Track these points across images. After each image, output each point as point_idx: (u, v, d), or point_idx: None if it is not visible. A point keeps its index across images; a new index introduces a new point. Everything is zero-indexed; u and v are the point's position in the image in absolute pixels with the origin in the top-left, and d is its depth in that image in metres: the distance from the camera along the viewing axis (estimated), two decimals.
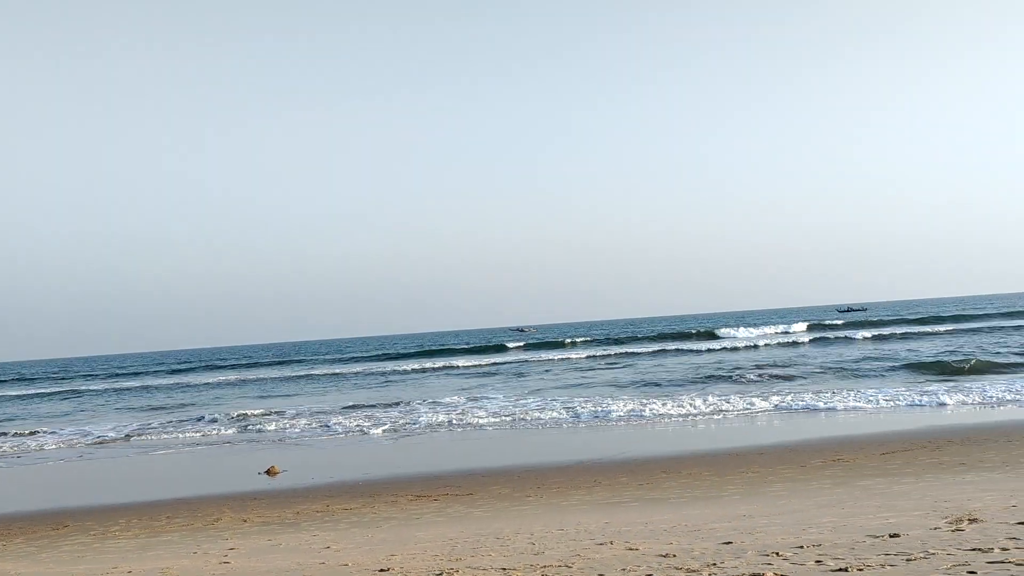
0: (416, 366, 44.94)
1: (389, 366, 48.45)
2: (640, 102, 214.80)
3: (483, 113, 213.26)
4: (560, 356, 44.64)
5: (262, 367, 59.37)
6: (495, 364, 41.68)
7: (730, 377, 26.46)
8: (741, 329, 59.76)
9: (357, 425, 19.77)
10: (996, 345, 32.22)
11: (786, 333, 55.41)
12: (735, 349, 40.54)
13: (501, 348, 60.36)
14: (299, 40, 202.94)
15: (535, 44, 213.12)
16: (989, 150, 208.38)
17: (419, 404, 23.93)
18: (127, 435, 21.16)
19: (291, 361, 65.48)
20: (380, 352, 74.11)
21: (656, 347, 46.49)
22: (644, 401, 20.59)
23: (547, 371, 35.72)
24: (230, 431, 20.82)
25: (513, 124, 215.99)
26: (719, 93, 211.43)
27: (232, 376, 49.66)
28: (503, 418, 19.34)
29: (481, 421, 19.16)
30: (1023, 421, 14.33)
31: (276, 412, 23.86)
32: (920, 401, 17.69)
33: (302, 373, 46.99)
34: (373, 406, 24.84)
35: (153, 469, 15.99)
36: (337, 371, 46.44)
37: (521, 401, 23.15)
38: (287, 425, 20.88)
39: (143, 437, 20.74)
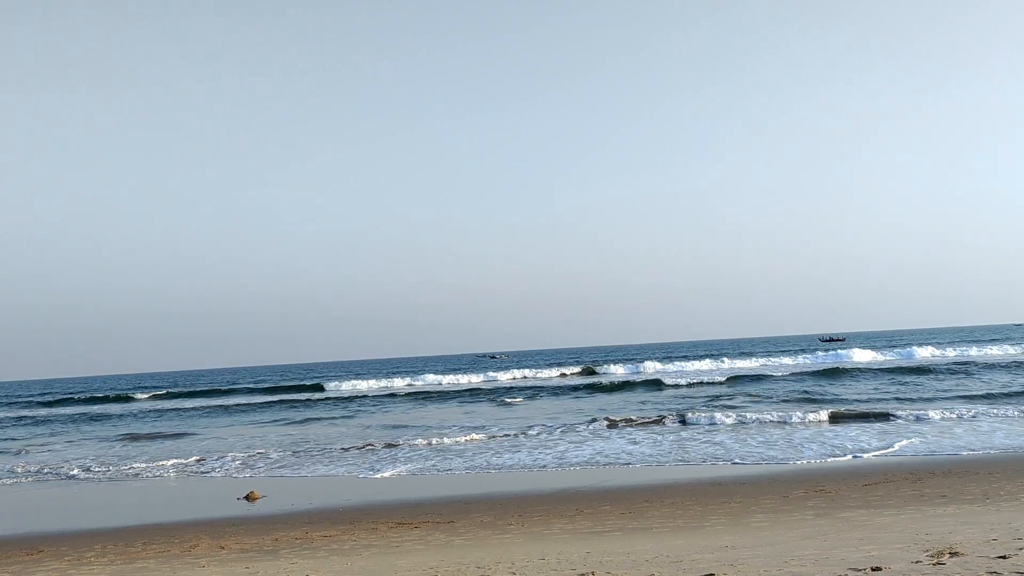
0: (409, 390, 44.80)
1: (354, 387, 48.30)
2: (623, 129, 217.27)
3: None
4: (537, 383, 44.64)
5: (222, 395, 58.86)
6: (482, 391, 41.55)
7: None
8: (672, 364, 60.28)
9: (338, 448, 19.61)
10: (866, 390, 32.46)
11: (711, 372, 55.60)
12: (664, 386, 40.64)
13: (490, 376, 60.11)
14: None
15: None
16: (977, 183, 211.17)
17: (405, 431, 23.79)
18: (108, 460, 20.86)
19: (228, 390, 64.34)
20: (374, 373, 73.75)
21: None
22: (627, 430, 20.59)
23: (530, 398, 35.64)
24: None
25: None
26: (714, 120, 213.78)
27: (210, 403, 49.13)
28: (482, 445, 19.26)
29: (462, 445, 19.07)
30: (1003, 456, 14.41)
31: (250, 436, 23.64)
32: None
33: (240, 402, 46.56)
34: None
35: (130, 494, 15.75)
36: (312, 397, 46.12)
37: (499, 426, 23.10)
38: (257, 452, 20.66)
39: (129, 465, 20.44)
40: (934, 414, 20.28)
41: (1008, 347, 56.35)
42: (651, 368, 54.93)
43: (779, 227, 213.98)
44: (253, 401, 44.41)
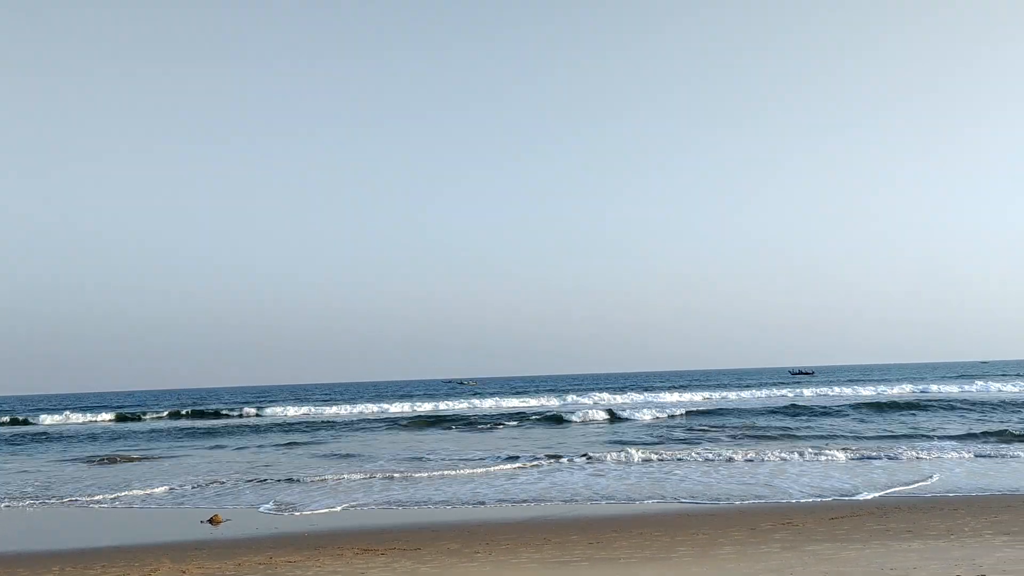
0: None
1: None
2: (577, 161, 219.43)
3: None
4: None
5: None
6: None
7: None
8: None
9: (314, 475, 19.40)
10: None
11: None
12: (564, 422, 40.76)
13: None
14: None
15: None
16: (950, 216, 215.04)
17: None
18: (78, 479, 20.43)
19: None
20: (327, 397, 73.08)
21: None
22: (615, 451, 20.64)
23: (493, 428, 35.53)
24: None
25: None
26: (688, 153, 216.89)
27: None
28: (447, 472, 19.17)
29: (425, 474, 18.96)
30: (966, 493, 14.64)
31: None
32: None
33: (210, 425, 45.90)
34: (329, 455, 24.43)
35: (91, 516, 15.45)
36: (277, 421, 45.60)
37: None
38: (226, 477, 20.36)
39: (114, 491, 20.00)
40: (902, 451, 20.58)
41: (967, 384, 57.39)
42: (615, 399, 54.97)
43: (756, 258, 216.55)
44: (173, 426, 43.73)
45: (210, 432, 36.71)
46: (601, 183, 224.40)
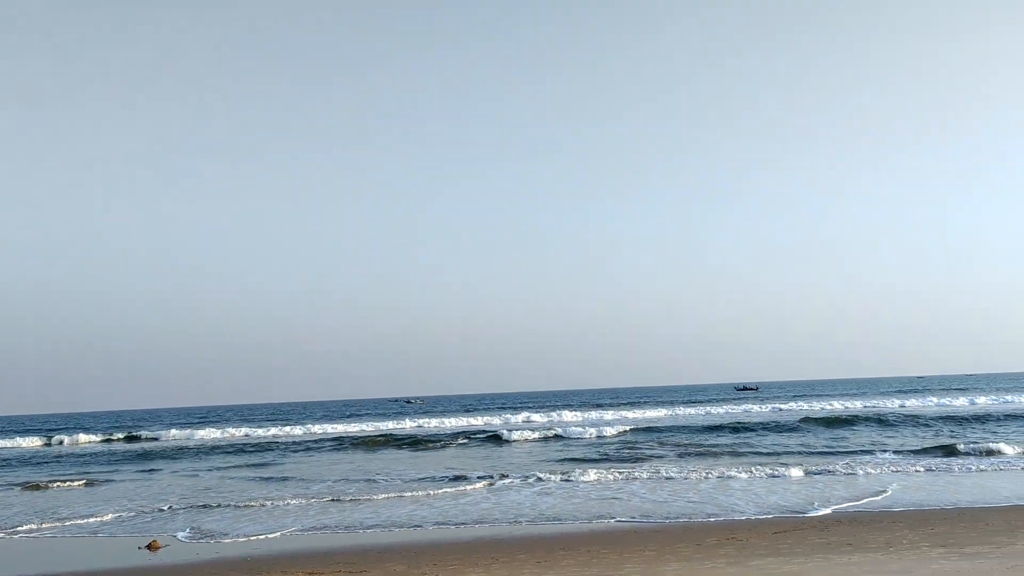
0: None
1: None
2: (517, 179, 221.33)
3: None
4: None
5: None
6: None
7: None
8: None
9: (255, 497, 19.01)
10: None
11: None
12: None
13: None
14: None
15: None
16: (888, 231, 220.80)
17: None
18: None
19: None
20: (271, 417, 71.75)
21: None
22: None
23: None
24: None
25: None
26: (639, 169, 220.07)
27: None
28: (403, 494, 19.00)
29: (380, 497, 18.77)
30: (906, 507, 15.03)
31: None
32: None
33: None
34: (270, 478, 23.95)
35: (24, 544, 14.89)
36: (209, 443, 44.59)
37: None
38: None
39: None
40: (839, 467, 21.05)
41: (908, 399, 59.09)
42: (561, 417, 55.12)
43: (704, 276, 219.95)
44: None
45: (148, 455, 35.74)
46: (543, 203, 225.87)
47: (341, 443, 37.62)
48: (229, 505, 18.10)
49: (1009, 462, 21.28)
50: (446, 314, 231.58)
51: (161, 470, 28.68)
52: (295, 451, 34.90)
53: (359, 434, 43.50)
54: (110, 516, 17.14)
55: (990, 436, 28.81)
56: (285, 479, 23.55)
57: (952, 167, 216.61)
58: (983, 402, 54.39)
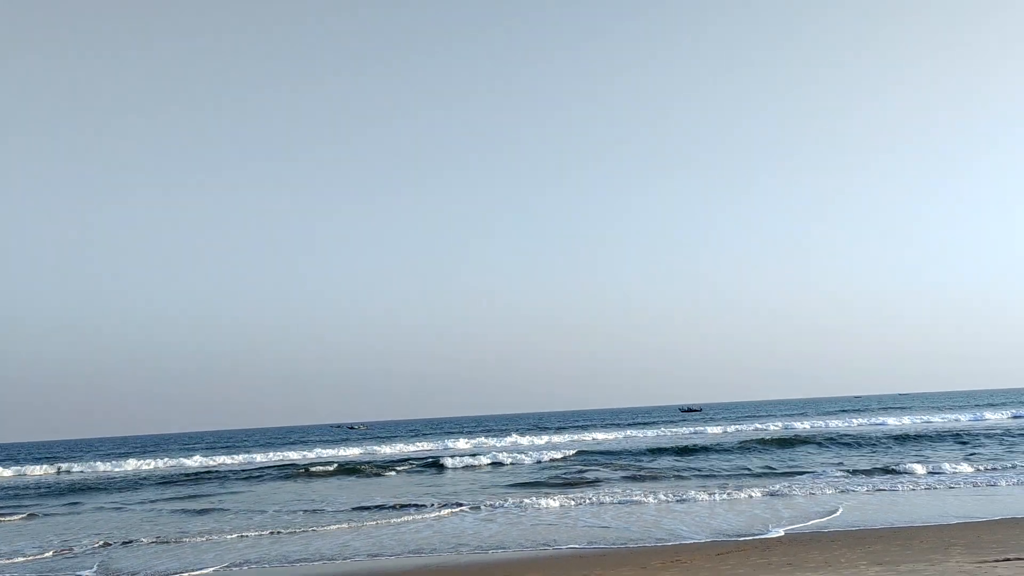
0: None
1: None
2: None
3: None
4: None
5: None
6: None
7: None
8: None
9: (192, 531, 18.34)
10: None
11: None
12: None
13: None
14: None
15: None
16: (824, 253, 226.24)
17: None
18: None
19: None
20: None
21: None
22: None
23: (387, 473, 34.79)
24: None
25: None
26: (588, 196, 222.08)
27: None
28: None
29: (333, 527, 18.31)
30: (844, 526, 15.24)
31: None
32: None
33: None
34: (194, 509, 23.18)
35: None
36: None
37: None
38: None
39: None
40: (784, 488, 21.29)
41: (848, 419, 60.39)
42: (503, 442, 54.66)
43: (645, 298, 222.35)
44: None
45: (75, 488, 34.31)
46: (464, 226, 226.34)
47: (281, 471, 36.75)
48: (152, 540, 17.32)
49: (943, 480, 21.83)
50: (388, 340, 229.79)
51: (85, 504, 27.51)
52: (232, 480, 34.00)
53: (300, 462, 42.66)
54: (20, 559, 16.26)
55: (927, 455, 29.56)
56: (218, 511, 22.84)
57: (891, 204, 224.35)
58: (912, 422, 55.74)
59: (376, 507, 21.13)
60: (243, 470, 39.39)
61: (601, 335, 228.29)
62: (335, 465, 37.81)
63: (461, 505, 20.50)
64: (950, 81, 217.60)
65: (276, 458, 48.73)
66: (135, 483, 35.34)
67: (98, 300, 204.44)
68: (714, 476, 25.81)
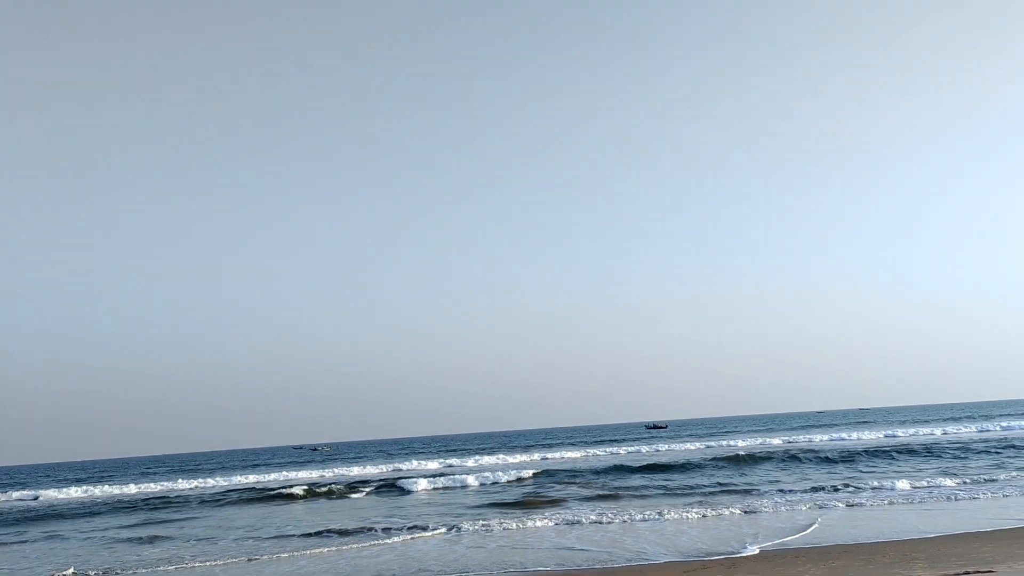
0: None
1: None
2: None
3: None
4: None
5: None
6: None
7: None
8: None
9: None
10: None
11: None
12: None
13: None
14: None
15: None
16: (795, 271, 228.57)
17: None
18: None
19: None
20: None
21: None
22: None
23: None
24: None
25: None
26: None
27: None
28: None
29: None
30: (811, 542, 15.32)
31: None
32: None
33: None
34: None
35: None
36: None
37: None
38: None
39: None
40: (755, 505, 21.35)
41: (814, 435, 60.92)
42: (467, 463, 54.08)
43: (610, 315, 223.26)
44: None
45: (28, 517, 33.25)
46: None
47: (241, 495, 36.07)
48: (101, 573, 16.77)
49: (908, 495, 22.11)
50: (349, 360, 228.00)
51: (32, 531, 26.66)
52: (192, 506, 33.27)
53: (261, 485, 41.93)
54: None
55: (893, 471, 29.93)
56: (172, 539, 22.18)
57: (842, 215, 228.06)
58: (876, 437, 56.36)
59: (337, 532, 20.74)
60: (202, 495, 38.57)
61: (566, 352, 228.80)
62: (295, 488, 37.01)
63: (425, 527, 20.24)
64: (956, 89, 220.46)
65: (237, 482, 47.86)
66: (89, 510, 34.42)
67: (49, 322, 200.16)
68: (681, 494, 25.82)
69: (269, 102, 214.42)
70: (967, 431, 58.20)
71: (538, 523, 19.94)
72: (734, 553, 14.13)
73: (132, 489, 47.94)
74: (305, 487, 37.51)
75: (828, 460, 36.13)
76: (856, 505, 20.44)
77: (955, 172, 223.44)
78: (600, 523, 19.44)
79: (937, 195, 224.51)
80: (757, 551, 14.16)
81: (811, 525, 17.09)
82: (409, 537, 18.99)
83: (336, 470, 54.00)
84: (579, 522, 19.74)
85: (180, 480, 52.84)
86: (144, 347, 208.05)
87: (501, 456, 58.33)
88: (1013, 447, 37.19)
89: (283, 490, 36.96)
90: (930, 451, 37.22)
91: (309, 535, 20.53)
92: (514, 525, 19.77)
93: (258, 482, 46.18)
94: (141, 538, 22.62)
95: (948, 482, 24.49)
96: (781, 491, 24.57)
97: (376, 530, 20.47)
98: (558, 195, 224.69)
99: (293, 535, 20.82)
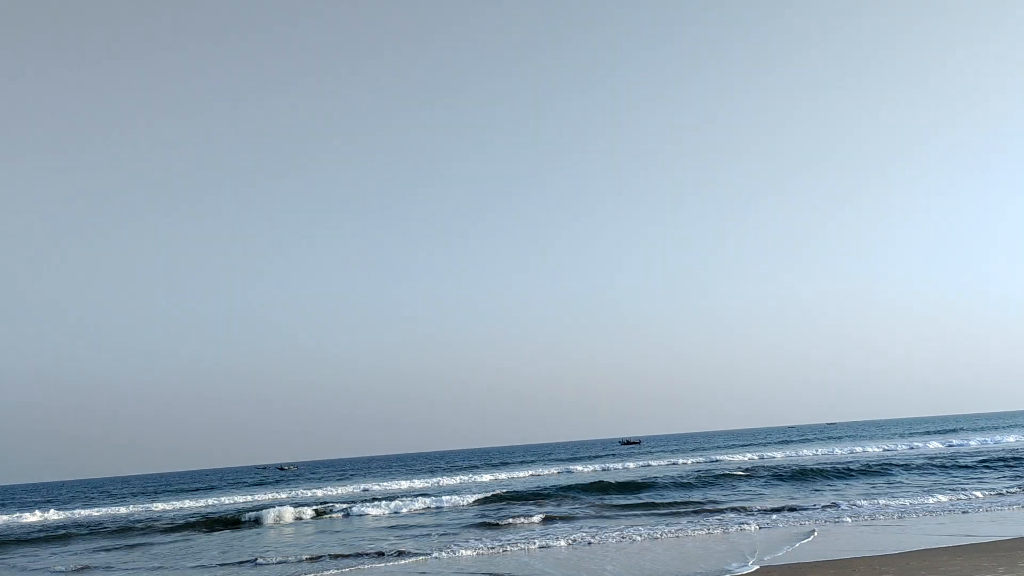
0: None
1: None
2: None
3: None
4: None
5: None
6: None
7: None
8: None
9: None
10: None
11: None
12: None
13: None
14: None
15: None
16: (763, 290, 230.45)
17: None
18: None
19: None
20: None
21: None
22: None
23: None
24: None
25: None
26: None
27: None
28: None
29: None
30: (778, 560, 15.22)
31: None
32: None
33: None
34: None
35: None
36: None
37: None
38: None
39: None
40: (718, 522, 21.26)
41: (783, 451, 61.15)
42: (430, 483, 52.76)
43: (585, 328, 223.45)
44: None
45: None
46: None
47: (210, 518, 33.67)
48: None
49: (882, 512, 22.17)
50: (319, 375, 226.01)
51: None
52: (155, 534, 31.42)
53: (212, 510, 40.08)
54: None
55: (874, 490, 29.98)
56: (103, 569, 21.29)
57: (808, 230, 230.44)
58: (843, 452, 56.40)
59: (279, 561, 19.68)
60: (150, 519, 36.84)
61: (539, 368, 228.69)
62: (256, 511, 35.19)
63: (382, 554, 19.30)
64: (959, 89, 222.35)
65: (192, 506, 46.30)
66: (18, 538, 32.18)
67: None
68: (649, 514, 25.57)
69: (277, 115, 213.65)
70: (929, 446, 58.22)
71: (511, 545, 19.35)
72: (699, 574, 13.97)
73: (68, 515, 45.55)
74: (270, 508, 35.30)
75: (802, 476, 35.56)
76: (844, 520, 20.44)
77: (925, 188, 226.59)
78: (568, 545, 18.92)
79: (914, 205, 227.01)
80: (726, 571, 14.01)
81: (786, 544, 17.02)
82: (352, 569, 18.43)
83: (305, 491, 52.32)
84: (549, 545, 19.18)
85: (136, 504, 51.39)
86: (89, 361, 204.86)
87: (469, 475, 57.67)
88: (985, 465, 37.71)
89: (221, 515, 34.31)
90: (895, 467, 37.46)
91: (266, 565, 19.67)
92: (485, 550, 19.13)
93: (206, 505, 44.70)
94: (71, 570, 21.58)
95: (936, 499, 24.17)
96: (747, 511, 23.99)
97: (328, 556, 19.67)
98: (536, 215, 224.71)
99: (242, 567, 20.04)
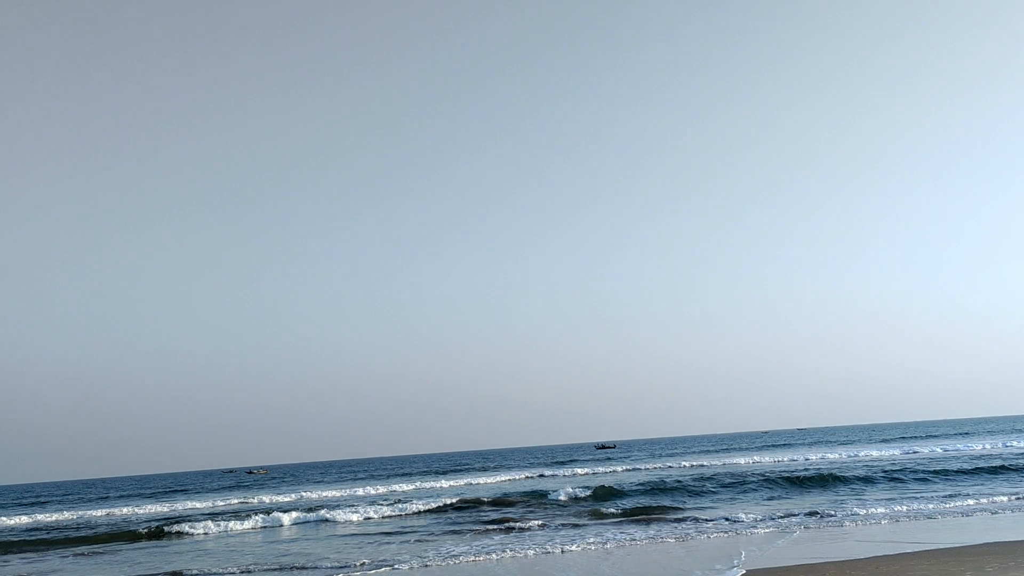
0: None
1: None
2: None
3: None
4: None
5: None
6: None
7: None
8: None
9: None
10: None
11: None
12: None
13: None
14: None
15: None
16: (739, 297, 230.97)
17: None
18: None
19: None
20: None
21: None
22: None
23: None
24: None
25: None
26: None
27: None
28: None
29: None
30: (748, 566, 15.32)
31: None
32: None
33: None
34: None
35: None
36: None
37: None
38: None
39: None
40: (693, 529, 21.31)
41: (756, 456, 61.55)
42: (402, 487, 51.89)
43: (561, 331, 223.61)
44: None
45: None
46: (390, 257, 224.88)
47: (178, 524, 31.30)
48: None
49: (867, 519, 22.36)
50: (293, 378, 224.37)
51: None
52: (45, 546, 29.06)
53: (177, 515, 38.95)
54: None
55: (845, 493, 30.23)
56: None
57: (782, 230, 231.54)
58: (817, 458, 56.81)
59: (291, 568, 19.64)
60: (67, 528, 35.88)
61: (516, 371, 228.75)
62: (192, 522, 32.65)
63: (345, 567, 18.28)
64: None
65: (154, 511, 44.51)
66: None
67: None
68: (623, 521, 25.62)
69: (272, 114, 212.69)
70: (901, 453, 58.70)
71: (480, 556, 19.07)
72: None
73: (37, 518, 44.55)
74: (230, 514, 34.30)
75: (775, 483, 35.16)
76: (815, 527, 20.63)
77: (892, 192, 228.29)
78: (534, 554, 18.73)
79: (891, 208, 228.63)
80: None
81: (754, 548, 17.11)
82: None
83: (270, 496, 50.86)
84: (516, 555, 19.09)
85: (94, 509, 49.74)
86: (50, 358, 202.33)
87: (438, 480, 57.22)
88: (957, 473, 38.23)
89: (188, 523, 31.43)
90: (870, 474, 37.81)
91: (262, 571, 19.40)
92: (461, 559, 19.06)
93: (170, 510, 43.34)
94: None
95: (919, 505, 24.29)
96: (774, 518, 23.13)
97: (297, 567, 19.46)
98: (520, 217, 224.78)
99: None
